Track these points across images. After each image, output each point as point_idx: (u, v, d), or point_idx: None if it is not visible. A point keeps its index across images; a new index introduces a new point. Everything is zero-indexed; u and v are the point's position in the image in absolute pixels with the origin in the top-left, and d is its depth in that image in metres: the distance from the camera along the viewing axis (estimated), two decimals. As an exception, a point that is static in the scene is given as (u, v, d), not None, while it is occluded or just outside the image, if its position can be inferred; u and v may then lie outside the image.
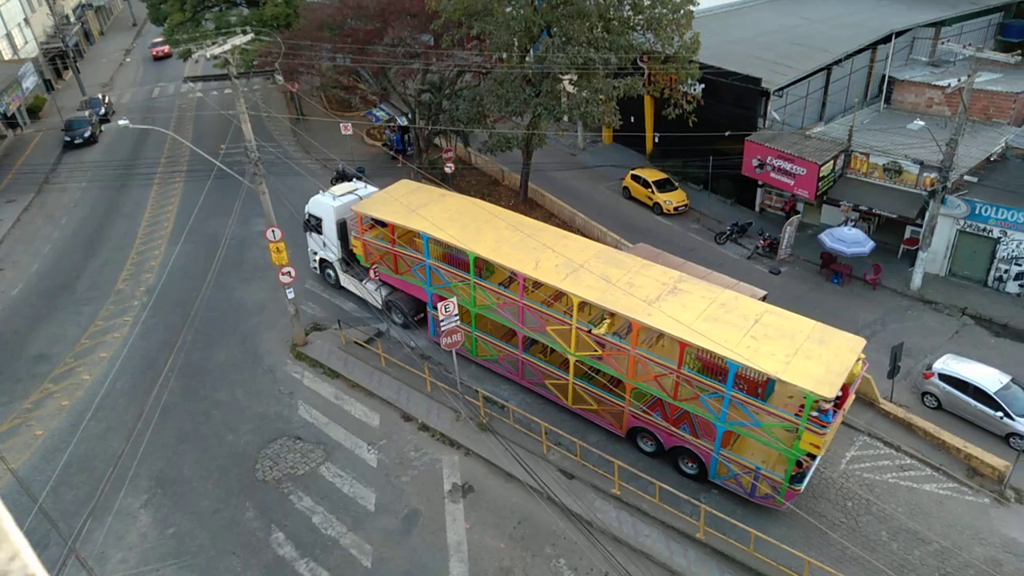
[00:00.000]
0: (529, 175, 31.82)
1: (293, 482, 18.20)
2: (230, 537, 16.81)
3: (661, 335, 17.47)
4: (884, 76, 32.66)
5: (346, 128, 32.57)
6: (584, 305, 18.12)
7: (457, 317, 18.89)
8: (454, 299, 19.02)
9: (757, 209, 31.21)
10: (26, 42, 49.18)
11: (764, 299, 20.18)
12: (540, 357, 20.24)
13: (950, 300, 25.02)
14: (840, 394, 15.12)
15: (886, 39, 33.02)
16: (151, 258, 28.70)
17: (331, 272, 25.78)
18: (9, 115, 40.46)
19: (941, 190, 24.11)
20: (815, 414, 14.76)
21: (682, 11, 26.29)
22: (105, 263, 28.68)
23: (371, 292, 23.85)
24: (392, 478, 18.27)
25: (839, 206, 27.83)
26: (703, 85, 28.71)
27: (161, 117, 43.10)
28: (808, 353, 15.34)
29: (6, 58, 44.69)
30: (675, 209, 30.94)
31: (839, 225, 27.01)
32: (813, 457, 15.91)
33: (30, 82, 42.43)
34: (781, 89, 29.17)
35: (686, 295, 17.31)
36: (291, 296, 22.04)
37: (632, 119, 33.10)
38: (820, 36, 33.37)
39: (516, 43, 28.28)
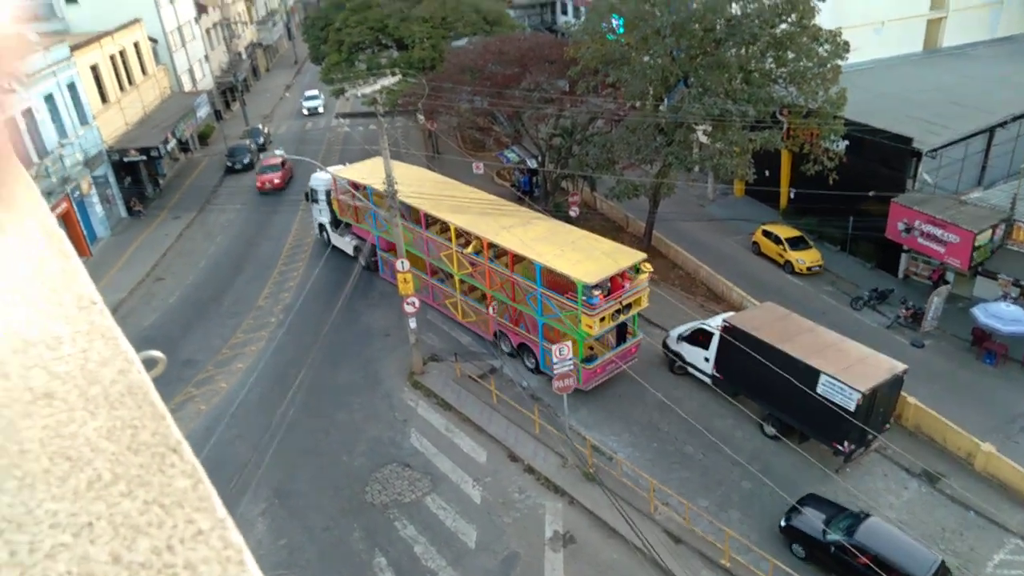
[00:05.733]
0: (654, 223, 31.48)
1: (399, 509, 18.61)
2: (336, 556, 17.36)
3: (516, 258, 22.23)
4: (1057, 141, 29.85)
5: (478, 167, 33.69)
6: (469, 240, 23.83)
7: (571, 360, 18.86)
8: (569, 343, 19.03)
9: (900, 275, 29.12)
10: (203, 76, 54.81)
11: (904, 374, 18.79)
12: (449, 285, 25.78)
13: None
14: (608, 287, 20.48)
15: (1061, 101, 30.24)
16: (290, 279, 30.73)
17: (325, 233, 32.46)
18: (183, 140, 45.05)
19: (1123, 270, 21.55)
20: (585, 299, 19.83)
21: (829, 65, 25.37)
22: (250, 280, 31.00)
23: (347, 243, 30.91)
24: (494, 517, 18.27)
25: (996, 279, 25.47)
26: (847, 142, 27.39)
27: (311, 149, 46.46)
28: (595, 260, 20.78)
29: (187, 89, 49.96)
30: (808, 269, 29.46)
31: (995, 300, 24.69)
32: (617, 348, 22.25)
33: (203, 112, 47.13)
34: (935, 150, 27.31)
35: (532, 227, 23.06)
36: (413, 326, 22.83)
37: (767, 172, 32.06)
38: (982, 96, 31.07)
39: (651, 92, 28.30)
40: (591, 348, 22.18)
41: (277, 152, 28.40)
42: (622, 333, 22.96)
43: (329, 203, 31.22)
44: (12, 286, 1.37)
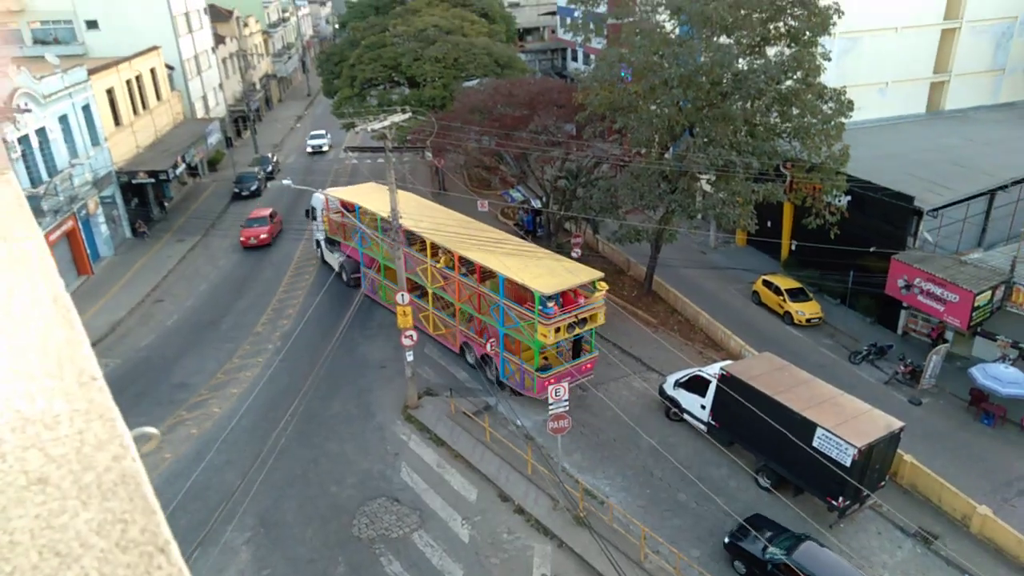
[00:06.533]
0: (655, 268, 31.63)
1: (386, 544, 18.29)
2: (319, 590, 16.98)
3: (486, 274, 23.49)
4: (1057, 206, 30.17)
5: (482, 205, 34.01)
6: (443, 256, 25.04)
7: (567, 402, 18.75)
8: (566, 384, 18.98)
9: (899, 332, 29.14)
10: (217, 104, 55.68)
11: (901, 431, 18.67)
12: (424, 301, 26.76)
13: None
14: (560, 299, 21.81)
15: (1062, 167, 30.63)
16: (289, 306, 30.74)
17: (320, 249, 34.54)
18: (193, 165, 45.54)
19: (1121, 337, 21.57)
20: (541, 308, 21.21)
21: (833, 122, 25.78)
22: (249, 306, 31.01)
23: (335, 259, 32.81)
24: (482, 558, 17.95)
25: (995, 340, 25.49)
26: (849, 197, 27.69)
27: (317, 180, 46.90)
28: (555, 274, 22.40)
29: (200, 116, 50.69)
30: (807, 321, 29.49)
31: (994, 361, 24.66)
32: (573, 361, 23.54)
33: (214, 139, 47.73)
34: (936, 209, 27.59)
35: (502, 246, 24.27)
36: (410, 359, 22.76)
37: (769, 223, 32.33)
38: (984, 159, 31.52)
39: (657, 140, 28.72)
40: (546, 358, 23.55)
41: (284, 182, 28.66)
42: (579, 348, 24.25)
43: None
44: (17, 356, 1.32)
